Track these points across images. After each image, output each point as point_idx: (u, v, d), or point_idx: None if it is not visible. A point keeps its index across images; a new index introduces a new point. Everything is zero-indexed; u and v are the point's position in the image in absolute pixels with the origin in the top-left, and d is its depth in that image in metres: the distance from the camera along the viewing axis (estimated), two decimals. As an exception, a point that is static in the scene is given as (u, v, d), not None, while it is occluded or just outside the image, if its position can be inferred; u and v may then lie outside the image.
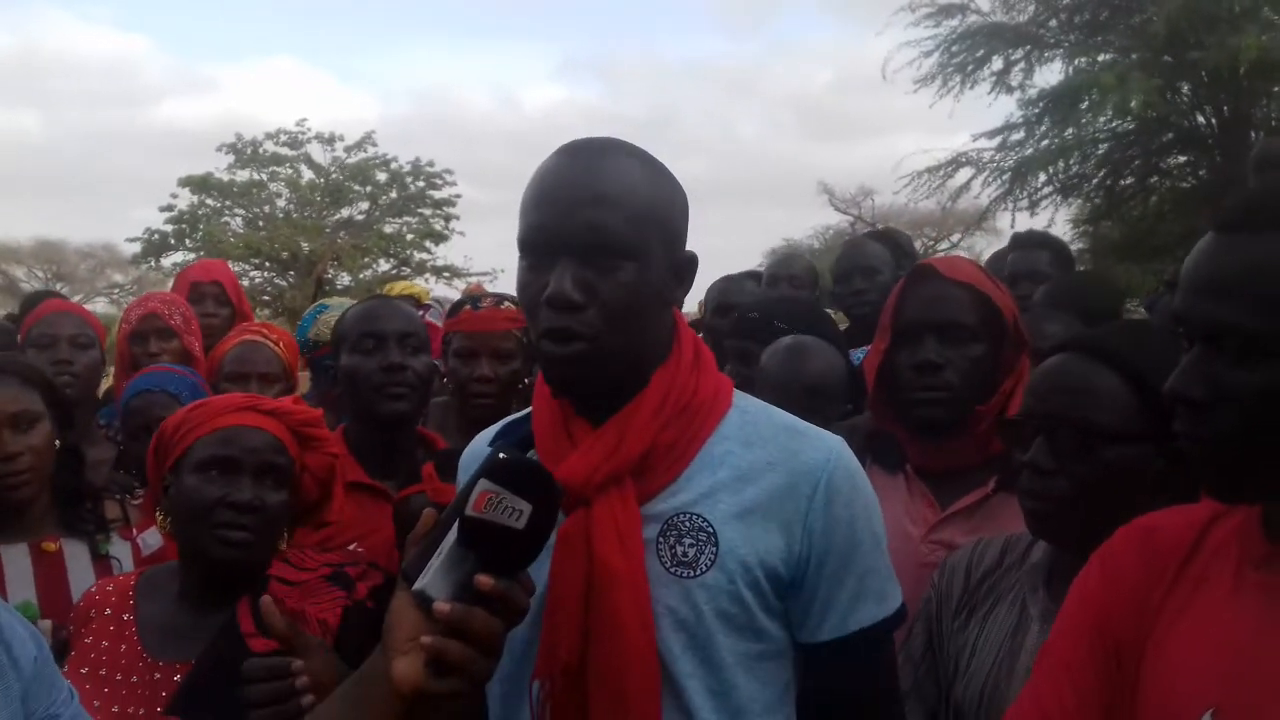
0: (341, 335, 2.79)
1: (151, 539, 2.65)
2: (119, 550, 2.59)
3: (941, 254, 37.00)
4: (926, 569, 2.10)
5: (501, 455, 1.24)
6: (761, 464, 1.57)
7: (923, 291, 2.28)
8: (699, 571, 1.53)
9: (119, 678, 2.00)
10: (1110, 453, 1.72)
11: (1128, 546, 1.45)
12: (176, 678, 1.98)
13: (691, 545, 1.54)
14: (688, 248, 1.62)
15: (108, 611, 2.08)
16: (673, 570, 1.54)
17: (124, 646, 2.04)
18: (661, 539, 1.54)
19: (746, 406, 1.65)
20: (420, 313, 3.51)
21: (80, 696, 1.90)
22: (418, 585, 1.25)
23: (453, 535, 1.24)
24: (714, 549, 1.53)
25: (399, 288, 5.72)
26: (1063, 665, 1.43)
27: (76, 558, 2.52)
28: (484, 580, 1.21)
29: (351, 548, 2.43)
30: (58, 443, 2.55)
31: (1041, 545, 1.87)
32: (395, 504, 2.32)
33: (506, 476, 1.22)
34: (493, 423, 3.01)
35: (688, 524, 1.54)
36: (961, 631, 1.92)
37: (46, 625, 2.19)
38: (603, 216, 1.49)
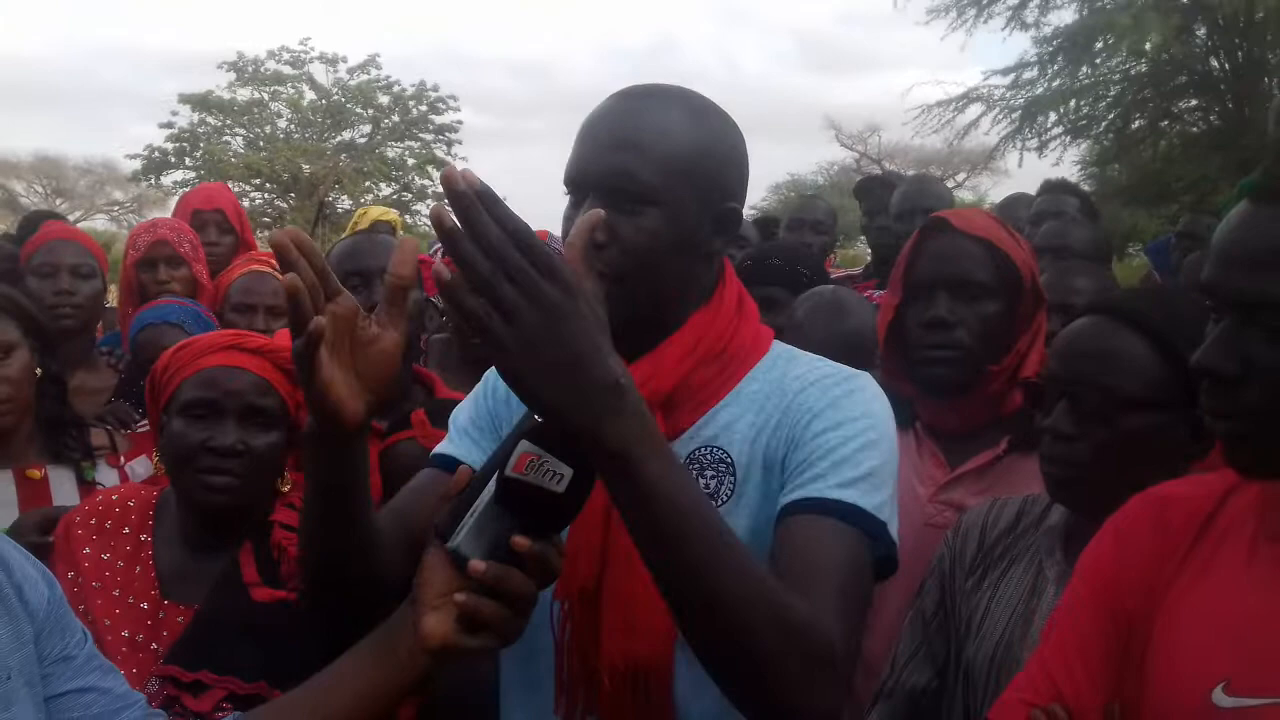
0: None
1: (140, 468, 2.65)
2: (105, 477, 2.58)
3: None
4: (933, 529, 2.08)
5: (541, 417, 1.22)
6: (775, 392, 1.55)
7: (936, 246, 2.22)
8: (720, 502, 1.53)
9: (131, 600, 1.97)
10: (1134, 420, 1.69)
11: (1142, 516, 1.43)
12: (179, 619, 1.95)
13: (713, 477, 1.54)
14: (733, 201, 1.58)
15: (126, 530, 2.04)
16: None
17: (139, 569, 2.00)
18: None
19: (781, 351, 1.64)
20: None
21: (90, 611, 1.92)
22: (452, 543, 1.24)
23: (488, 493, 1.23)
24: (733, 479, 1.53)
25: (374, 214, 5.58)
26: (1072, 635, 1.42)
27: (61, 484, 2.52)
28: (521, 542, 1.21)
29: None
30: (39, 371, 2.52)
31: (1059, 508, 1.85)
32: (380, 451, 2.26)
33: (549, 439, 1.21)
34: (489, 362, 2.97)
35: (709, 456, 1.55)
36: (975, 592, 1.90)
37: (35, 518, 2.17)
38: (628, 161, 1.49)
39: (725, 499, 1.53)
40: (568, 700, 1.56)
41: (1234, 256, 1.26)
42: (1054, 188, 4.87)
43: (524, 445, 1.21)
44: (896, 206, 4.40)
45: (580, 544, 1.51)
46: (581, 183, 1.53)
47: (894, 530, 1.47)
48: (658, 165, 1.50)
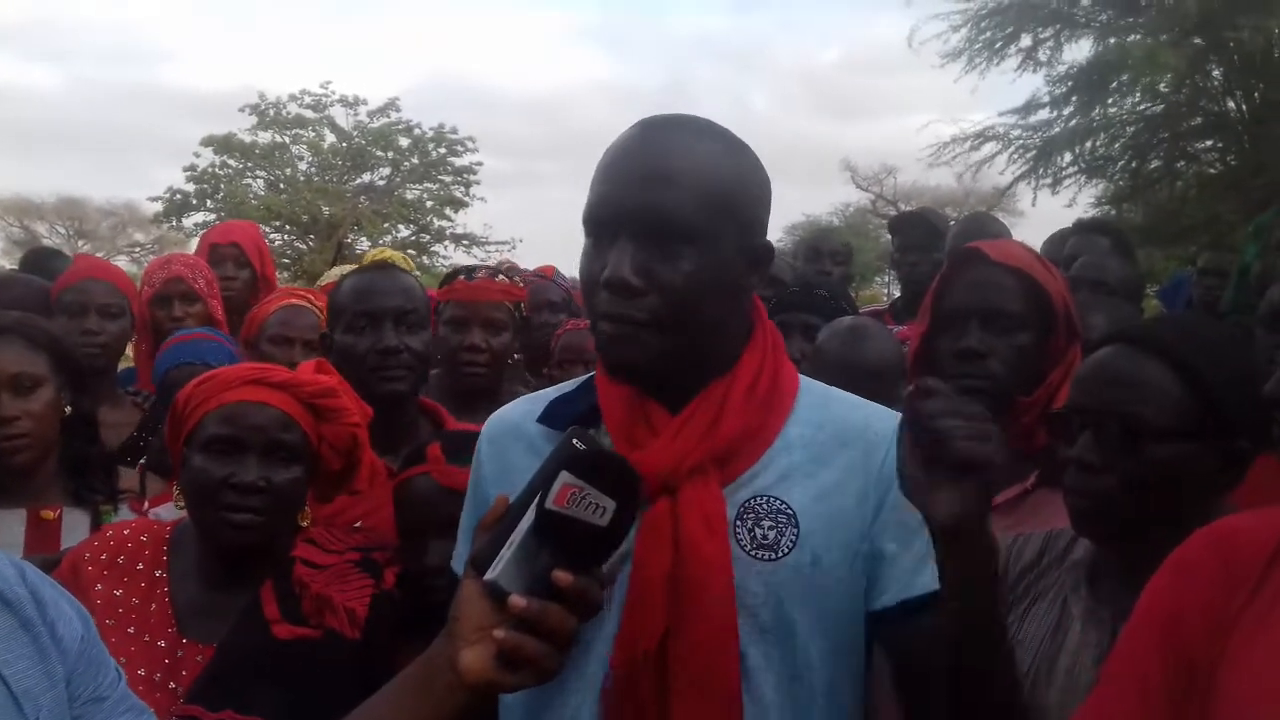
0: (337, 310, 2.64)
1: (166, 514, 2.56)
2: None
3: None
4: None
5: (581, 446, 1.20)
6: (834, 443, 1.56)
7: (968, 276, 2.22)
8: (780, 554, 1.51)
9: (146, 639, 1.94)
10: (1160, 450, 1.65)
11: (1204, 552, 1.37)
12: (199, 658, 1.92)
13: (771, 528, 1.51)
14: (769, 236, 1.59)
15: (139, 565, 2.01)
16: (753, 553, 1.51)
17: (154, 606, 1.97)
18: (739, 522, 1.52)
19: (811, 388, 1.63)
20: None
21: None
22: (489, 575, 1.20)
23: (525, 525, 1.19)
24: (795, 531, 1.51)
25: (382, 256, 5.46)
26: (1130, 678, 1.36)
27: (74, 527, 2.44)
28: (563, 577, 1.17)
29: (357, 525, 2.34)
30: (68, 409, 2.47)
31: (1083, 542, 1.81)
32: (395, 486, 2.24)
33: (591, 470, 1.18)
34: (482, 394, 2.97)
35: (765, 507, 1.52)
36: (998, 629, 1.86)
37: (37, 563, 2.14)
38: (665, 197, 1.44)
39: (786, 551, 1.50)
40: None
41: None
42: (1087, 227, 4.88)
43: (565, 477, 1.18)
44: (951, 244, 4.38)
45: (644, 608, 1.47)
46: (612, 222, 1.47)
47: None
48: (695, 201, 1.44)
